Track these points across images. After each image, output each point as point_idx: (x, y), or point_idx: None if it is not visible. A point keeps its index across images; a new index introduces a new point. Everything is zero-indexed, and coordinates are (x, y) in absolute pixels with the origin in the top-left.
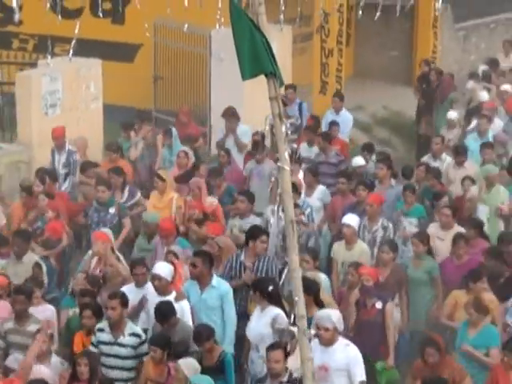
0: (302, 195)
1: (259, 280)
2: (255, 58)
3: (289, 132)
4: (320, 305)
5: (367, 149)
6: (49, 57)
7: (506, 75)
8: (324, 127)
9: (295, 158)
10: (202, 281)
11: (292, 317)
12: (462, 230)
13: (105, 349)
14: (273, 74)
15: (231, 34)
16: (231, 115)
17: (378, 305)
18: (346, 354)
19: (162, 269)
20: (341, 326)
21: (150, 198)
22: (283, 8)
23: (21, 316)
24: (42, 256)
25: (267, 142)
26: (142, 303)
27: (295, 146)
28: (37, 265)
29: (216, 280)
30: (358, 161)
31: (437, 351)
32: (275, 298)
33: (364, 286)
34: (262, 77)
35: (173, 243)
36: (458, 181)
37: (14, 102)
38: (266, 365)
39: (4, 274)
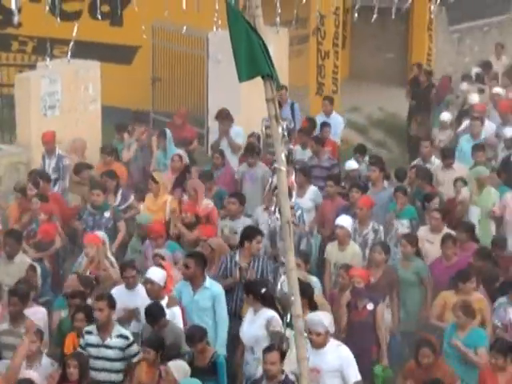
0: (294, 197)
1: (252, 282)
2: (252, 60)
3: (285, 133)
4: (314, 308)
5: (359, 150)
6: (48, 59)
7: (498, 77)
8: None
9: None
10: (195, 282)
11: (286, 318)
12: (451, 232)
13: (93, 351)
14: (269, 75)
15: (228, 37)
16: (224, 117)
17: (369, 306)
18: (338, 355)
19: (155, 273)
20: (332, 329)
21: (145, 200)
22: (279, 10)
23: (15, 318)
24: (37, 258)
25: (264, 144)
26: (135, 315)
27: (292, 146)
28: (31, 267)
29: (209, 281)
30: (352, 164)
31: (432, 352)
32: (268, 300)
33: (355, 287)
34: (259, 78)
35: (162, 246)
36: (448, 183)
37: (14, 104)
38: (262, 367)
39: None
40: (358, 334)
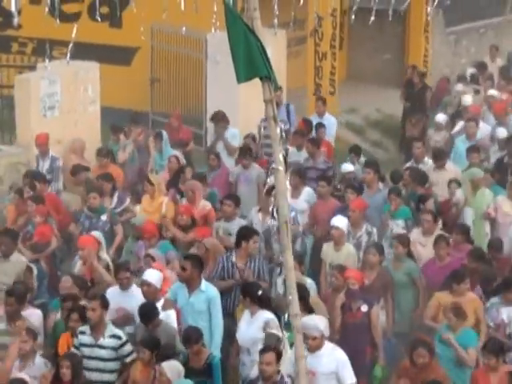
0: (288, 198)
1: (249, 285)
2: (250, 62)
3: (283, 134)
4: (309, 310)
5: (354, 151)
6: (47, 60)
7: (493, 78)
8: None
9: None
10: (191, 284)
11: (284, 318)
12: (444, 233)
13: (86, 351)
14: (267, 77)
15: (227, 38)
16: (220, 119)
17: (364, 308)
18: (334, 358)
19: (152, 275)
20: (327, 332)
21: (141, 202)
22: (277, 12)
23: (12, 318)
24: (34, 260)
25: (259, 145)
26: (130, 319)
27: (289, 147)
28: (27, 268)
29: (204, 284)
30: (348, 167)
31: (427, 352)
32: (265, 302)
33: (349, 289)
34: (257, 80)
35: (155, 246)
36: (441, 183)
37: (13, 105)
38: (258, 367)
39: None
40: (352, 336)
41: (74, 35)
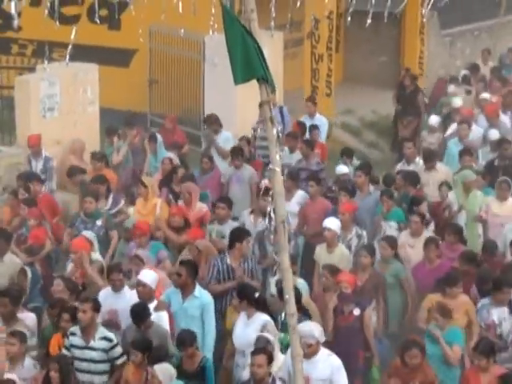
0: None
1: (245, 288)
2: (247, 63)
3: (280, 135)
4: (302, 311)
5: (346, 154)
6: (47, 62)
7: (485, 80)
8: None
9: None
10: (185, 290)
11: (280, 318)
12: (434, 236)
13: (77, 353)
14: (264, 78)
15: (224, 40)
16: (213, 122)
17: (356, 311)
18: (329, 363)
19: (147, 276)
20: (322, 338)
21: (135, 204)
22: (274, 14)
23: (7, 319)
24: (28, 262)
25: (253, 147)
26: (115, 326)
27: (285, 147)
28: (22, 271)
29: (199, 290)
30: (342, 169)
31: (420, 352)
32: (262, 304)
33: (342, 292)
34: (254, 81)
35: (145, 246)
36: (431, 184)
37: (13, 106)
38: (250, 369)
39: None
40: (344, 339)
41: (73, 37)
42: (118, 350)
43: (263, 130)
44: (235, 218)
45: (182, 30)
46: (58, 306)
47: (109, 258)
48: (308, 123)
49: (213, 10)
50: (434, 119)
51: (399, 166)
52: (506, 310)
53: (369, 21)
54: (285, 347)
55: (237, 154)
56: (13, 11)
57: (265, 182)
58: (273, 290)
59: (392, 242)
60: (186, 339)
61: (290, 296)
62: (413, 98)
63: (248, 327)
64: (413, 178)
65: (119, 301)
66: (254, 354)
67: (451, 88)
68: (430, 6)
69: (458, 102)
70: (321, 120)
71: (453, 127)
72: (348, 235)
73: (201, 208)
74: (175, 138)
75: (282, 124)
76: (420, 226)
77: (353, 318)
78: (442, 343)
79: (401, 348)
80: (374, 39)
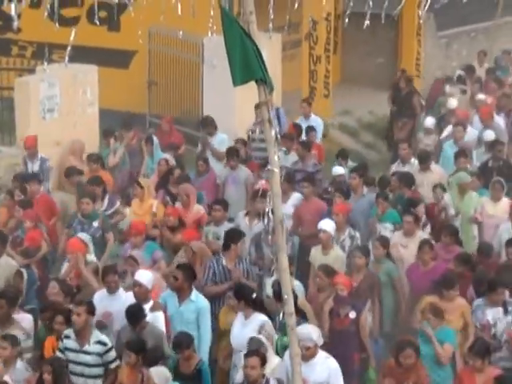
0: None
1: (242, 288)
2: (246, 65)
3: (278, 136)
4: (300, 314)
5: (342, 155)
6: (46, 63)
7: (481, 81)
8: None
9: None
10: (181, 294)
11: (278, 318)
12: (424, 236)
13: (71, 356)
14: (263, 80)
15: (223, 42)
16: (208, 124)
17: (352, 314)
18: (327, 366)
19: (143, 276)
20: (320, 341)
21: (131, 205)
22: (272, 16)
23: (3, 321)
24: (25, 264)
25: (249, 148)
26: (105, 324)
27: (284, 148)
28: (18, 273)
29: (195, 294)
30: (338, 170)
31: (414, 352)
32: (259, 305)
33: (338, 295)
34: (253, 83)
35: (140, 246)
36: (426, 185)
37: (13, 107)
38: (243, 371)
39: None
40: (340, 342)
41: (72, 39)
42: (112, 354)
43: (260, 131)
44: (231, 220)
45: (181, 32)
46: (50, 310)
47: (105, 260)
48: (304, 124)
49: (212, 12)
50: (430, 121)
51: (394, 167)
52: (500, 310)
53: (366, 22)
54: (281, 349)
55: (232, 154)
56: (13, 13)
57: (261, 183)
58: (268, 291)
59: (384, 241)
60: (182, 341)
61: (288, 296)
62: (408, 100)
63: (245, 327)
64: (408, 180)
65: (114, 303)
66: (247, 356)
67: (447, 88)
68: (426, 8)
69: (453, 103)
70: (316, 121)
71: (448, 129)
72: (341, 236)
73: (198, 210)
74: (172, 140)
75: (278, 125)
76: (413, 226)
77: (349, 321)
78: (433, 342)
79: (395, 348)
80: (371, 41)
